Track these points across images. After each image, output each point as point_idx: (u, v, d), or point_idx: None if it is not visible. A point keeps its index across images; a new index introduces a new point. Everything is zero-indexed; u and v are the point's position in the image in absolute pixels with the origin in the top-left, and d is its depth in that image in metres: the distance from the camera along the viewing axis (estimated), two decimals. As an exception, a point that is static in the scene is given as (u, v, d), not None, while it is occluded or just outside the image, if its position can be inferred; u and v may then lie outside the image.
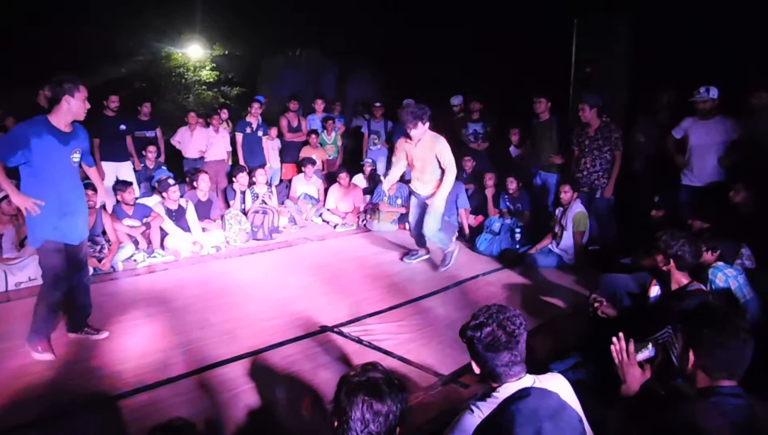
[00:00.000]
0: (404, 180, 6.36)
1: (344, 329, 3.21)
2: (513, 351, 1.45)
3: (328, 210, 6.16)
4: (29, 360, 2.76)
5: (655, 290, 2.60)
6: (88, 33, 7.93)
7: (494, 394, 1.44)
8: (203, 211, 5.30)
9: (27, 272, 3.93)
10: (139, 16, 9.01)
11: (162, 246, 4.80)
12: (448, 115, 6.49)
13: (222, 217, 5.40)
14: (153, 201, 5.15)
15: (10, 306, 3.53)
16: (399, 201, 6.07)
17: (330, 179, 6.60)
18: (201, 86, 10.47)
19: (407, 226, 5.88)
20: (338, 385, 1.32)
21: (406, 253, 4.80)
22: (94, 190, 4.48)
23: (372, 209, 6.01)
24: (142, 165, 5.99)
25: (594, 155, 4.66)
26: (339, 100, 8.19)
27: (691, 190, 4.27)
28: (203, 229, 5.13)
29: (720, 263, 2.68)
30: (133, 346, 2.99)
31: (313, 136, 6.68)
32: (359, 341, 3.05)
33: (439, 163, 4.13)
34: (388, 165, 6.28)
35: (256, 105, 6.44)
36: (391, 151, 7.05)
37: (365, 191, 6.39)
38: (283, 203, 6.22)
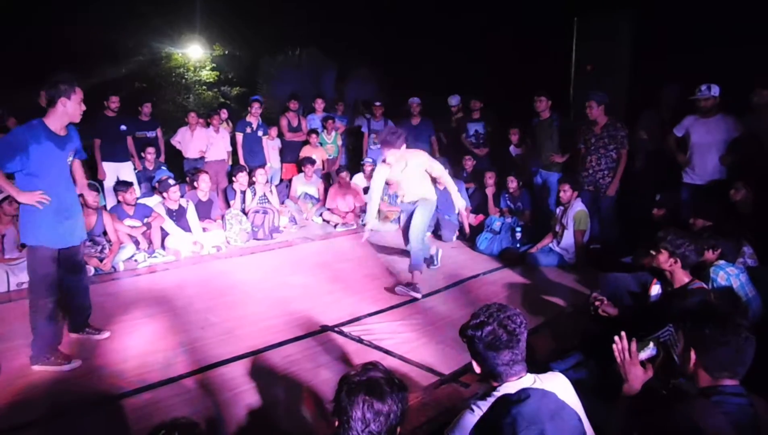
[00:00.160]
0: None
1: (345, 329, 3.21)
2: (514, 350, 1.45)
3: (329, 209, 6.16)
4: (30, 360, 2.77)
5: (655, 289, 2.59)
6: (89, 33, 7.93)
7: (494, 393, 1.44)
8: (204, 211, 5.30)
9: (28, 272, 3.94)
10: (139, 16, 9.02)
11: (163, 246, 4.80)
12: (447, 115, 6.48)
13: (222, 216, 5.40)
14: (154, 201, 5.15)
15: (12, 306, 3.53)
16: (399, 200, 6.06)
17: (328, 178, 6.60)
18: (201, 86, 10.47)
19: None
20: (339, 385, 1.32)
21: (429, 262, 4.46)
22: (96, 190, 4.51)
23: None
24: (142, 166, 6.00)
25: (600, 154, 4.62)
26: (341, 100, 8.17)
27: (692, 188, 4.26)
28: (204, 229, 5.13)
29: (722, 262, 2.67)
30: (134, 346, 2.99)
31: (313, 135, 6.68)
32: (360, 341, 3.05)
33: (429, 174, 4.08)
34: None
35: (256, 105, 6.44)
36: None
37: (366, 191, 6.39)
38: (283, 203, 6.23)
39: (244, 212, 5.57)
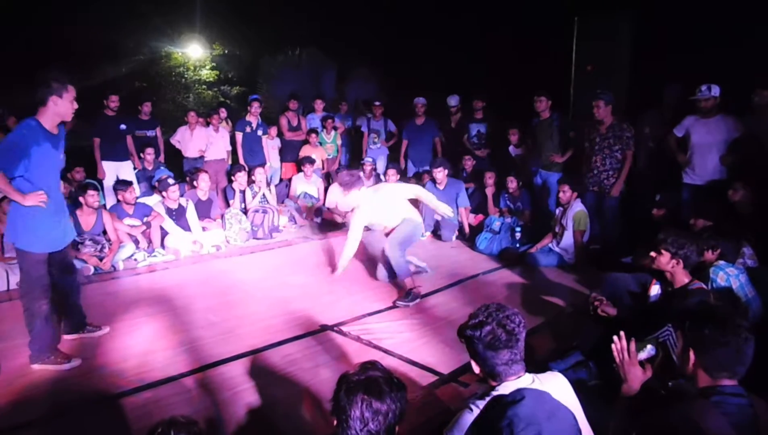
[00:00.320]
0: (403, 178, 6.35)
1: (344, 328, 3.21)
2: (513, 349, 1.45)
3: (328, 209, 6.16)
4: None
5: (655, 289, 2.59)
6: (89, 33, 7.94)
7: (493, 392, 1.44)
8: (203, 210, 5.31)
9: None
10: (139, 16, 9.03)
11: (162, 245, 4.80)
12: (447, 114, 6.48)
13: (222, 216, 5.41)
14: (153, 200, 5.15)
15: (12, 305, 3.52)
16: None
17: (328, 177, 6.61)
18: (201, 86, 10.49)
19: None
20: (338, 384, 1.32)
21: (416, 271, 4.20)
22: (95, 189, 4.51)
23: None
24: (142, 165, 6.00)
25: (605, 154, 4.58)
26: (344, 100, 8.16)
27: (692, 188, 4.26)
28: (203, 229, 5.13)
29: (721, 262, 2.67)
30: (134, 345, 2.99)
31: (313, 135, 6.68)
32: (359, 340, 3.05)
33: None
34: (388, 164, 6.27)
35: (255, 104, 6.44)
36: (391, 150, 7.07)
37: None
38: (283, 202, 6.23)
39: (245, 211, 5.58)
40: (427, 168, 6.15)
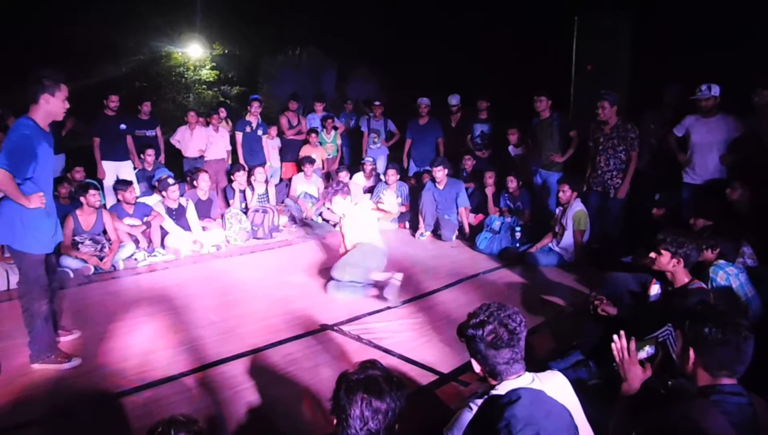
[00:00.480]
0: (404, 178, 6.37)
1: (344, 327, 3.22)
2: (514, 348, 1.45)
3: (328, 209, 6.16)
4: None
5: (655, 289, 2.59)
6: (89, 33, 7.95)
7: (492, 392, 1.44)
8: (203, 210, 5.31)
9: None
10: (139, 16, 9.02)
11: (162, 245, 4.80)
12: (447, 114, 6.48)
13: (222, 216, 5.41)
14: (153, 200, 5.15)
15: (12, 305, 3.52)
16: (399, 199, 6.07)
17: (328, 177, 6.61)
18: (201, 85, 10.48)
19: (407, 225, 5.90)
20: (337, 383, 1.33)
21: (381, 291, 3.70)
22: (96, 189, 4.51)
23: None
24: (142, 166, 6.00)
25: (608, 154, 4.53)
26: (349, 99, 8.15)
27: (692, 188, 4.26)
28: (203, 228, 5.13)
29: (721, 261, 2.68)
30: (134, 345, 2.99)
31: (313, 135, 6.68)
32: (359, 339, 3.05)
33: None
34: (388, 164, 6.28)
35: (255, 104, 6.45)
36: (391, 150, 7.07)
37: (365, 190, 6.39)
38: (283, 202, 6.23)
39: (246, 210, 5.58)
40: (428, 168, 6.15)
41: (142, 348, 2.95)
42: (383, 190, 5.98)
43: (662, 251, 2.39)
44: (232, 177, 5.79)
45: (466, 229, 5.47)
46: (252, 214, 5.51)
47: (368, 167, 6.52)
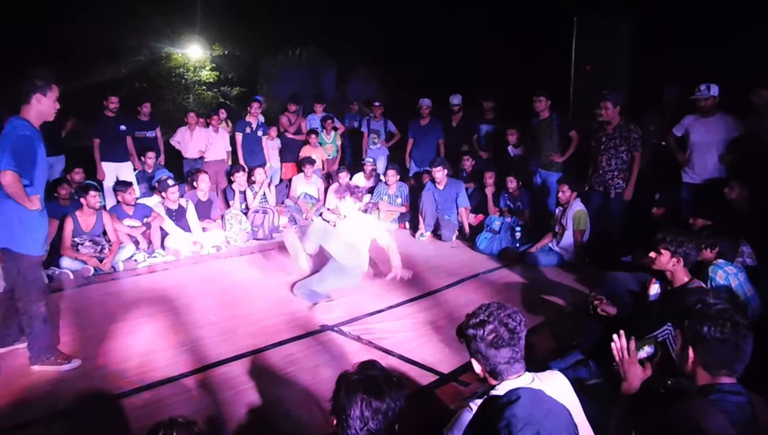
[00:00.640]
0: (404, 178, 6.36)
1: (344, 328, 3.22)
2: (515, 348, 1.46)
3: (328, 209, 6.17)
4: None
5: (654, 288, 2.60)
6: (89, 33, 7.95)
7: (492, 392, 1.44)
8: (203, 210, 5.31)
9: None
10: (139, 16, 9.03)
11: (162, 246, 4.80)
12: (447, 114, 6.48)
13: (222, 216, 5.41)
14: (153, 201, 5.15)
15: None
16: (399, 200, 6.07)
17: (328, 178, 6.62)
18: (201, 86, 10.49)
19: (407, 226, 5.90)
20: (337, 384, 1.33)
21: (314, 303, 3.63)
22: (97, 190, 4.51)
23: (371, 208, 6.01)
24: (142, 168, 6.00)
25: (610, 154, 4.52)
26: (355, 100, 8.13)
27: (692, 187, 4.26)
28: (203, 229, 5.14)
29: (720, 261, 2.68)
30: (134, 345, 2.99)
31: (313, 135, 6.69)
32: (359, 340, 3.05)
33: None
34: (388, 165, 6.29)
35: (255, 105, 6.45)
36: (391, 150, 7.08)
37: (369, 190, 6.40)
38: (283, 203, 6.23)
39: (246, 211, 5.58)
40: (428, 168, 6.16)
41: (142, 349, 2.95)
42: (382, 195, 5.99)
43: (662, 250, 2.39)
44: (232, 178, 5.79)
45: (466, 229, 5.47)
46: (252, 214, 5.51)
47: (368, 168, 6.52)
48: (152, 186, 5.47)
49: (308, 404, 2.43)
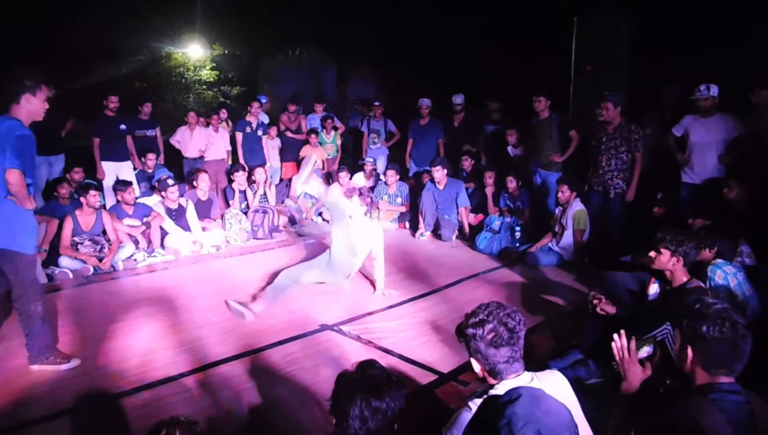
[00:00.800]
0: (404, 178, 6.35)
1: (344, 327, 3.22)
2: (514, 347, 1.46)
3: (328, 209, 6.17)
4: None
5: (653, 288, 2.60)
6: (89, 33, 7.93)
7: (492, 391, 1.44)
8: (203, 210, 5.31)
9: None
10: (139, 16, 9.01)
11: (162, 245, 4.80)
12: (447, 114, 6.49)
13: (222, 216, 5.41)
14: (153, 200, 5.15)
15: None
16: (399, 199, 6.07)
17: (328, 177, 6.61)
18: (201, 86, 10.46)
19: (407, 225, 5.90)
20: (336, 383, 1.33)
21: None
22: (96, 189, 4.52)
23: (372, 208, 6.01)
24: (142, 167, 6.00)
25: (610, 154, 4.52)
26: (359, 102, 8.13)
27: (691, 187, 4.26)
28: (203, 229, 5.14)
29: (719, 260, 2.68)
30: (134, 345, 2.99)
31: (313, 135, 6.69)
32: (359, 339, 3.06)
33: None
34: (388, 165, 6.29)
35: (255, 104, 6.47)
36: (391, 150, 7.08)
37: (371, 190, 6.40)
38: (283, 202, 6.23)
39: (247, 211, 5.58)
40: (428, 168, 6.16)
41: (142, 348, 2.95)
42: (383, 195, 5.99)
43: (662, 250, 2.40)
44: (232, 177, 5.79)
45: (466, 229, 5.48)
46: (252, 214, 5.51)
47: (368, 168, 6.52)
48: (152, 185, 5.47)
49: (308, 404, 2.43)
